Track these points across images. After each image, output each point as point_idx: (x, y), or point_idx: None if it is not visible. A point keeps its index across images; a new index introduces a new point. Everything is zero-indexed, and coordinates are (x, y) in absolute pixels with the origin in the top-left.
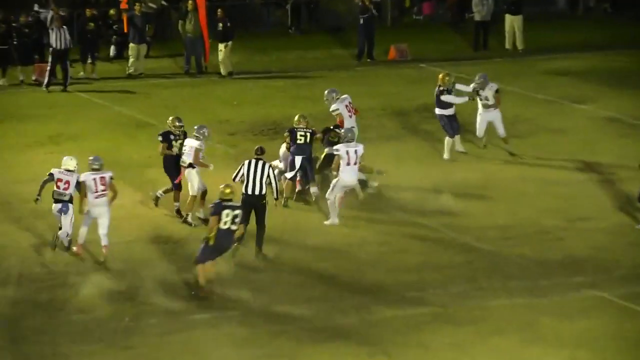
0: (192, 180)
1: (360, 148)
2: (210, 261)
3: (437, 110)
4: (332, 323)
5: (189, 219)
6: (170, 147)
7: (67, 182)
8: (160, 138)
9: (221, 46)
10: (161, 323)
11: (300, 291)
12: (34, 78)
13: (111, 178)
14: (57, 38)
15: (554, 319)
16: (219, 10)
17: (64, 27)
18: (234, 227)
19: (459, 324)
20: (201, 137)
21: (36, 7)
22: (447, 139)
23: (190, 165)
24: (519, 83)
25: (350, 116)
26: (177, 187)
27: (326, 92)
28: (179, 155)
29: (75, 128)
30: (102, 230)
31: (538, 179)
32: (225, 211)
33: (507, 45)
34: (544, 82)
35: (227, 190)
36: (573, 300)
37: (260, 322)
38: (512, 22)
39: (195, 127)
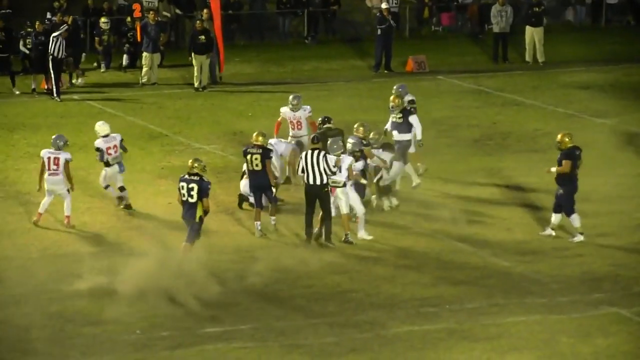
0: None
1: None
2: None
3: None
4: (346, 338)
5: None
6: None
7: (115, 146)
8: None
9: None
10: (172, 336)
11: (313, 305)
12: (45, 88)
13: (67, 161)
14: (59, 47)
15: (572, 337)
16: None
17: (59, 35)
18: (191, 200)
19: (474, 340)
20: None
21: (49, 15)
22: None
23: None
24: (539, 96)
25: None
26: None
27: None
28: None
29: (86, 138)
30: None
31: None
32: (181, 184)
33: (528, 58)
34: (565, 96)
35: (194, 164)
36: (591, 318)
37: (272, 336)
38: (533, 34)
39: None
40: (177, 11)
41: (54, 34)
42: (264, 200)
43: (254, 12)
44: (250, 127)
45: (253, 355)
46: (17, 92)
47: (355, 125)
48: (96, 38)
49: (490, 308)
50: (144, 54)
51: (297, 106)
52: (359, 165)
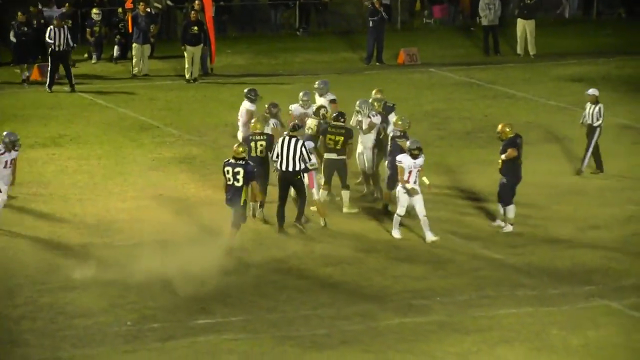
0: None
1: None
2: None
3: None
4: (337, 330)
5: None
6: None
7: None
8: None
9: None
10: (163, 328)
11: (305, 297)
12: (24, 77)
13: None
14: (56, 38)
15: (563, 329)
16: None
17: (64, 27)
18: (237, 184)
19: (465, 332)
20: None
21: (39, 6)
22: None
23: None
24: (530, 89)
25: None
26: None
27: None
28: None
29: (77, 129)
30: None
31: (548, 187)
32: (226, 168)
33: (519, 51)
34: (557, 89)
35: (240, 149)
36: (582, 310)
37: (264, 328)
38: (525, 27)
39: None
40: (169, 2)
41: (51, 26)
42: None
43: (245, 4)
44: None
45: (244, 346)
46: None
47: (394, 119)
48: (87, 29)
49: (481, 300)
50: (134, 45)
51: (308, 103)
52: (420, 161)
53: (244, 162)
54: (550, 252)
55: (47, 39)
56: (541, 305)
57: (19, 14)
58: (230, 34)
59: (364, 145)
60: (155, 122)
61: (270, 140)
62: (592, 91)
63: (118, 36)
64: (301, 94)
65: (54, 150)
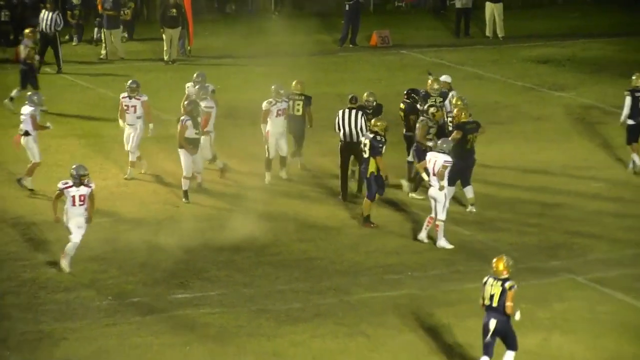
0: (31, 148)
1: None
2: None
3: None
4: (311, 303)
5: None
6: None
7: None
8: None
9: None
10: (143, 302)
11: (280, 272)
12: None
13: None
14: (43, 21)
15: (530, 302)
16: None
17: (55, 11)
18: (364, 155)
19: (436, 306)
20: (33, 104)
21: None
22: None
23: (27, 133)
24: (499, 70)
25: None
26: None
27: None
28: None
29: (60, 108)
30: None
31: (516, 166)
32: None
33: (488, 33)
34: (524, 70)
35: (378, 123)
36: (548, 284)
37: (240, 302)
38: (493, 10)
39: (29, 94)
40: None
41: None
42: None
43: None
44: (219, 99)
45: (221, 320)
46: None
47: (431, 110)
48: (68, 12)
49: (451, 275)
50: (103, 30)
51: (201, 82)
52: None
53: (372, 136)
54: (518, 229)
55: (40, 21)
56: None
57: None
58: (207, 17)
59: (279, 131)
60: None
61: (309, 101)
62: (445, 78)
63: (98, 19)
64: (195, 74)
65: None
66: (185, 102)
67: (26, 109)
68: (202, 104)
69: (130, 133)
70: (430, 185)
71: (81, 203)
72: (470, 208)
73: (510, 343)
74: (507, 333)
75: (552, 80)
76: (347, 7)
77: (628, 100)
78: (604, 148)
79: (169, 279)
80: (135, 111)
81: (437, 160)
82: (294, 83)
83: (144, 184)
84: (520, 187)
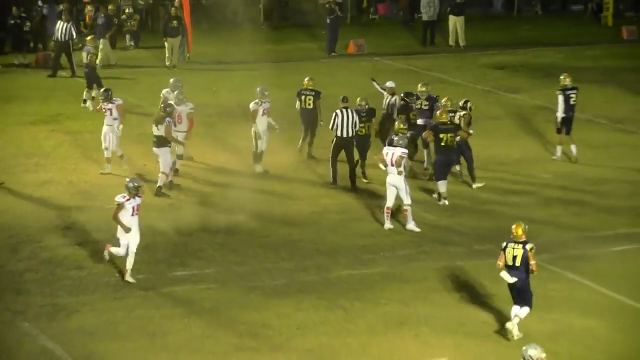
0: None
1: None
2: None
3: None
4: (296, 280)
5: None
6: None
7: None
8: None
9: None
10: (147, 279)
11: (268, 252)
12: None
13: None
14: (59, 30)
15: (486, 279)
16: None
17: (70, 21)
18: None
19: (404, 282)
20: None
21: (39, 3)
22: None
23: None
24: (461, 75)
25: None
26: None
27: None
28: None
29: (73, 108)
30: None
31: (477, 160)
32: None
33: (451, 42)
34: (483, 75)
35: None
36: None
37: (233, 279)
38: (455, 22)
39: None
40: (150, 1)
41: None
42: None
43: (218, 2)
44: (214, 100)
45: (216, 295)
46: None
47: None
48: (81, 22)
49: (418, 255)
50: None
51: (176, 86)
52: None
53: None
54: (478, 215)
55: (55, 30)
56: (470, 259)
57: (14, 8)
58: (203, 27)
59: (264, 128)
60: (140, 102)
61: (318, 96)
62: (390, 84)
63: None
64: (171, 80)
65: (52, 127)
66: (162, 106)
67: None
68: (187, 106)
69: (107, 132)
70: (389, 173)
71: (137, 212)
72: (441, 201)
73: (527, 299)
74: (526, 290)
75: (508, 84)
76: (328, 21)
77: (561, 99)
78: (552, 144)
79: (170, 259)
80: (111, 113)
81: (394, 152)
82: (305, 80)
83: (147, 175)
84: (481, 179)
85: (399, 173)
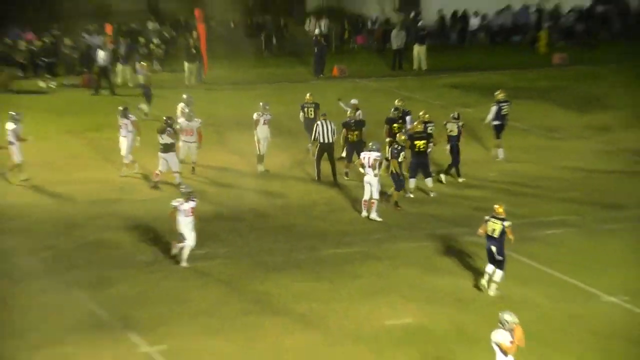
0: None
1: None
2: None
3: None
4: (291, 258)
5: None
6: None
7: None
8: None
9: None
10: (172, 257)
11: (268, 235)
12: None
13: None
14: (100, 58)
15: (445, 256)
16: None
17: (109, 49)
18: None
19: (378, 259)
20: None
21: (83, 34)
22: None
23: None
24: (424, 93)
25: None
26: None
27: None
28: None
29: (112, 120)
30: None
31: (438, 163)
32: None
33: (415, 67)
34: (441, 93)
35: (402, 137)
36: (460, 244)
37: (241, 257)
38: (419, 50)
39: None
40: (173, 33)
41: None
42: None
43: (224, 35)
44: (224, 112)
45: (228, 270)
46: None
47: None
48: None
49: (389, 238)
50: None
51: (190, 101)
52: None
53: (394, 145)
54: (439, 205)
55: (97, 57)
56: (431, 241)
57: (66, 39)
58: (217, 54)
59: (264, 135)
60: (162, 114)
61: (318, 107)
62: (354, 101)
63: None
64: (184, 95)
65: (95, 134)
66: (165, 118)
67: (10, 125)
68: (197, 122)
69: (123, 142)
70: (366, 174)
71: (191, 214)
72: (432, 194)
73: (500, 263)
74: (501, 255)
75: (461, 101)
76: (315, 50)
77: (494, 109)
78: (497, 148)
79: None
80: (127, 127)
81: (370, 156)
82: (307, 95)
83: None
84: (440, 177)
85: (375, 175)
